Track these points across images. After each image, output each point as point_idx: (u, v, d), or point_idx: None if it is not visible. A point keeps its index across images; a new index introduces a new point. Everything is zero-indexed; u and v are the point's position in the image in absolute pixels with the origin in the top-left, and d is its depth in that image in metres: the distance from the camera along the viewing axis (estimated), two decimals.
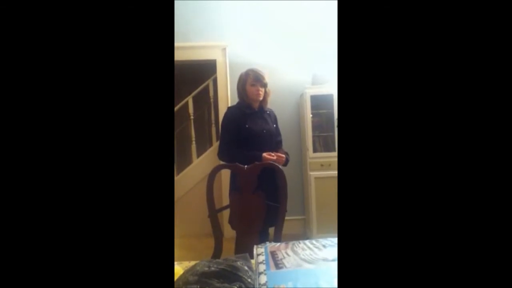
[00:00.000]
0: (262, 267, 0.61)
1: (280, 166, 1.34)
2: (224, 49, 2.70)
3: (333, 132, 2.51)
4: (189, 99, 2.92)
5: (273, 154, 1.54)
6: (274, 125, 1.70)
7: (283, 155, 1.58)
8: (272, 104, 2.27)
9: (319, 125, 2.61)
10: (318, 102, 2.55)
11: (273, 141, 1.67)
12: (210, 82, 2.91)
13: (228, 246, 1.30)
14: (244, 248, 1.11)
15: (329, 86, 2.51)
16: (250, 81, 1.62)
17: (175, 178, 2.86)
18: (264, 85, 1.62)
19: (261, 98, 1.63)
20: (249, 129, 1.59)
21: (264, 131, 1.62)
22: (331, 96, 2.50)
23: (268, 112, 1.71)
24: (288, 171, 1.44)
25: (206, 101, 3.08)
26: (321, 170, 2.45)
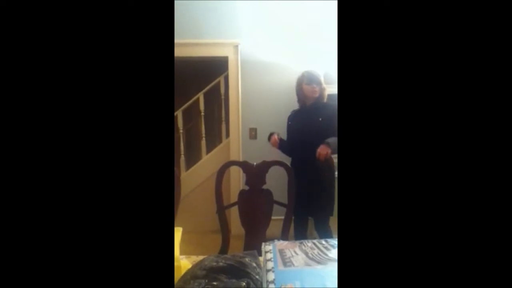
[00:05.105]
0: (270, 265, 0.60)
1: None
2: (236, 46, 2.69)
3: None
4: (200, 96, 2.93)
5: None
6: (320, 120, 1.74)
7: (324, 148, 1.62)
8: (282, 103, 2.26)
9: None
10: (331, 100, 2.51)
11: (317, 136, 1.69)
12: (221, 79, 2.92)
13: (235, 243, 1.30)
14: (253, 245, 1.11)
15: None
16: (306, 81, 1.80)
17: (184, 174, 2.89)
18: (319, 83, 1.79)
19: (317, 95, 1.79)
20: (290, 125, 1.84)
21: (304, 126, 1.77)
22: None
23: (320, 107, 1.78)
24: None
25: (217, 98, 3.09)
26: None
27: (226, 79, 2.80)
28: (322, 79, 1.84)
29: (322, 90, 1.82)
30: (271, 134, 1.86)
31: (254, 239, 1.20)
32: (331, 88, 2.50)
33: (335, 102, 2.02)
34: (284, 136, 1.92)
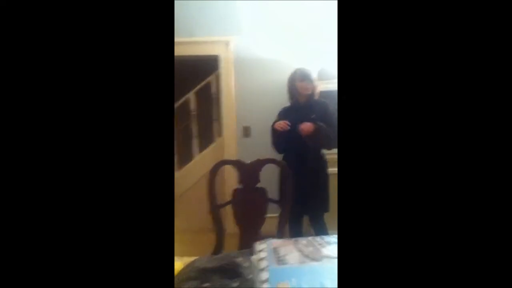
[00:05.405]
0: (263, 264, 0.59)
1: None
2: (227, 44, 2.67)
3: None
4: (192, 95, 2.90)
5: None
6: (313, 116, 1.72)
7: (308, 125, 1.65)
8: (275, 100, 2.25)
9: None
10: (324, 98, 2.52)
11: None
12: (213, 77, 2.89)
13: (231, 242, 1.29)
14: (248, 243, 1.10)
15: (336, 82, 2.47)
16: (298, 78, 1.79)
17: (177, 173, 2.85)
18: (312, 81, 1.78)
19: (309, 92, 1.77)
20: None
21: (297, 123, 1.72)
22: (336, 92, 2.47)
23: (313, 104, 1.79)
24: None
25: (209, 96, 3.06)
26: None
27: (218, 77, 2.78)
28: (314, 76, 1.84)
29: (314, 87, 1.82)
30: (275, 122, 1.82)
31: (250, 237, 1.19)
32: (326, 85, 2.51)
33: (326, 99, 2.05)
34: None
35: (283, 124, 1.73)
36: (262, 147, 2.01)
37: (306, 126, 1.66)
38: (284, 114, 1.86)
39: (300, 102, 1.82)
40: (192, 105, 2.91)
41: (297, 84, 1.80)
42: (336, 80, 2.48)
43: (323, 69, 2.59)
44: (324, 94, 2.48)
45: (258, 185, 1.27)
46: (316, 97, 1.86)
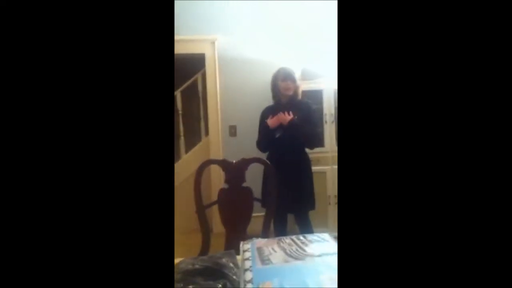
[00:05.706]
0: (248, 264, 0.60)
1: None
2: (213, 42, 2.65)
3: (322, 127, 2.52)
4: (177, 94, 2.87)
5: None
6: (297, 117, 1.73)
7: (287, 116, 1.70)
8: (261, 100, 2.26)
9: None
10: (307, 97, 2.54)
11: (293, 133, 1.73)
12: (199, 76, 2.87)
13: (218, 241, 1.29)
14: (234, 243, 1.10)
15: (319, 82, 2.50)
16: (281, 77, 1.79)
17: None
18: (294, 80, 1.79)
19: (291, 93, 1.79)
20: (266, 122, 1.79)
21: (281, 124, 1.74)
22: (320, 91, 2.49)
23: (295, 104, 1.80)
24: None
25: (195, 95, 3.04)
26: None
27: (204, 76, 2.76)
28: (297, 76, 1.85)
29: (296, 87, 1.83)
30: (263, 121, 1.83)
31: (236, 237, 1.19)
32: (309, 84, 2.53)
33: (309, 99, 2.06)
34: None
35: (284, 119, 1.72)
36: (248, 146, 2.02)
37: (283, 118, 1.70)
38: (267, 114, 1.86)
39: (282, 102, 1.83)
40: (178, 104, 2.88)
41: (279, 83, 1.80)
42: (319, 80, 2.51)
43: (306, 68, 2.61)
44: (307, 93, 2.51)
45: (244, 184, 1.27)
46: (299, 96, 1.87)
